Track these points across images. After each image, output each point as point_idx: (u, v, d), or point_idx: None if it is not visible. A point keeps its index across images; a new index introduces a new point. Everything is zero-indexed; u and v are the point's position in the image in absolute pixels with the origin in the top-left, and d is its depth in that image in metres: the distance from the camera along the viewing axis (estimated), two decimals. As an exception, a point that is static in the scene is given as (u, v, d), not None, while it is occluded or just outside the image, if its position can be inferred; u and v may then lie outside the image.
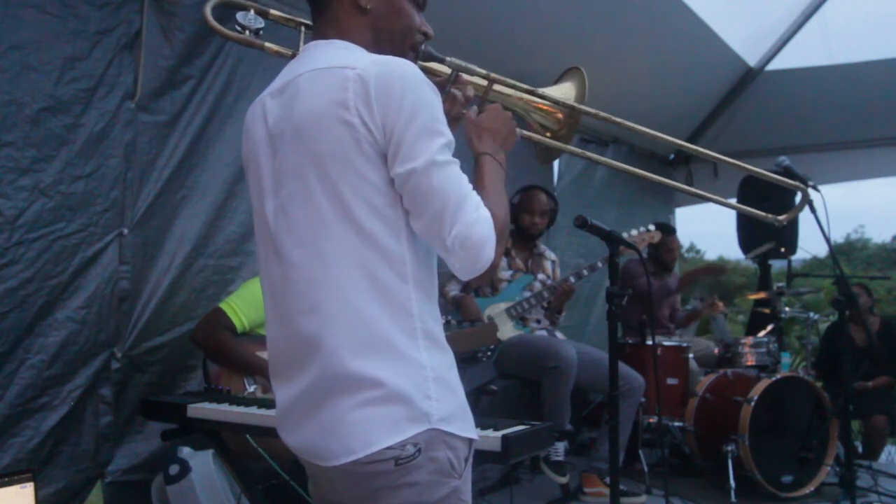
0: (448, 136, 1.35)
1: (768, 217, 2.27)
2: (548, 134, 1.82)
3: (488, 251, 1.32)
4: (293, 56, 1.58)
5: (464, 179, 1.34)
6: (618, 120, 1.91)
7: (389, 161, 1.31)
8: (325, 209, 1.32)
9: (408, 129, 1.29)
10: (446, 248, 1.31)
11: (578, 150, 2.02)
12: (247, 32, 1.61)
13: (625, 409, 3.82)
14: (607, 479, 3.66)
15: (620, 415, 3.57)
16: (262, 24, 1.62)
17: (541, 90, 1.77)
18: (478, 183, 1.44)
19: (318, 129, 1.32)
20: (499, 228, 1.35)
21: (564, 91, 1.81)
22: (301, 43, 1.58)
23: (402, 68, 1.33)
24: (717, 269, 5.39)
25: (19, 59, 2.61)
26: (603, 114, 1.85)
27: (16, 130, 2.61)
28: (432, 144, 1.31)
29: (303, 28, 1.61)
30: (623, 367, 3.84)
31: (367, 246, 1.31)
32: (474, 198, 1.34)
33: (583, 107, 1.78)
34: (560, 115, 1.80)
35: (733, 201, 5.85)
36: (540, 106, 1.80)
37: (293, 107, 1.37)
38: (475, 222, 1.31)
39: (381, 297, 1.31)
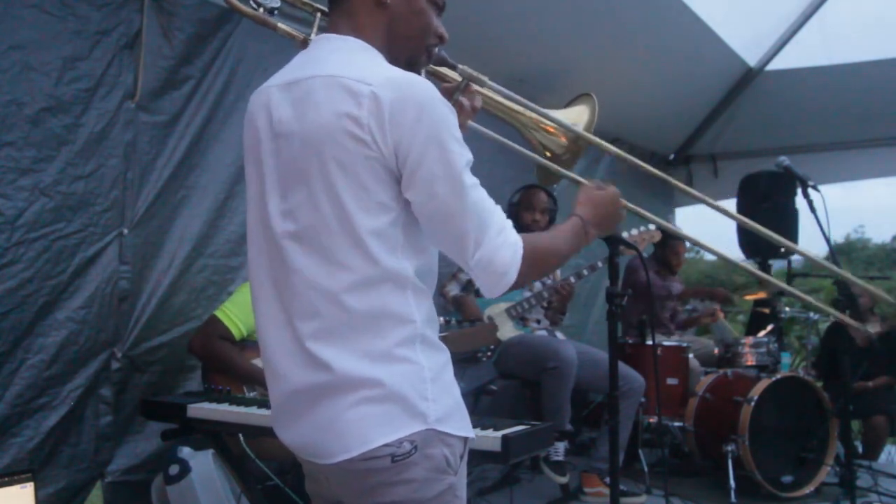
0: (467, 154, 1.34)
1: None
2: (548, 154, 1.81)
3: (510, 275, 1.34)
4: (303, 42, 1.57)
5: (487, 201, 1.35)
6: (622, 153, 1.91)
7: (406, 183, 1.31)
8: (331, 220, 1.31)
9: (426, 152, 1.29)
10: (469, 268, 1.34)
11: (577, 178, 1.99)
12: (261, 10, 1.60)
13: (625, 409, 3.82)
14: (607, 479, 3.66)
15: (620, 415, 3.56)
16: (278, 4, 1.61)
17: (553, 114, 1.75)
18: (557, 229, 1.50)
19: (328, 141, 1.31)
20: (532, 255, 1.37)
21: (574, 117, 1.79)
22: (315, 30, 1.56)
23: (418, 88, 1.31)
24: (724, 296, 5.38)
25: (19, 59, 2.61)
26: (612, 147, 1.85)
27: (16, 130, 2.61)
28: (455, 166, 1.31)
29: (318, 14, 1.59)
30: (623, 367, 3.84)
31: (367, 260, 1.31)
32: (498, 220, 1.35)
33: (590, 136, 1.76)
34: (564, 140, 1.79)
35: (733, 203, 5.87)
36: (545, 127, 1.78)
37: (304, 113, 1.35)
38: (499, 247, 1.33)
39: (380, 309, 1.32)
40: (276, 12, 1.61)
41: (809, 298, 2.63)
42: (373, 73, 1.32)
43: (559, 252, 1.48)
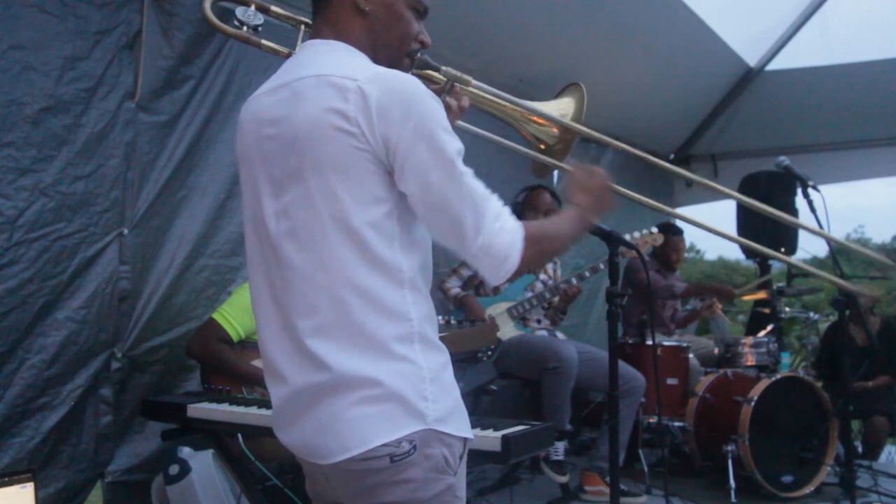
0: (458, 144, 1.35)
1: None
2: (542, 146, 1.83)
3: (512, 259, 1.35)
4: (289, 55, 1.58)
5: (481, 188, 1.36)
6: (608, 140, 1.91)
7: (398, 176, 1.32)
8: (324, 216, 1.32)
9: (415, 143, 1.29)
10: (472, 255, 1.35)
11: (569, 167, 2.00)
12: (245, 28, 1.61)
13: (625, 409, 3.82)
14: (608, 479, 3.67)
15: (620, 414, 3.56)
16: (261, 21, 1.62)
17: (536, 106, 1.77)
18: (558, 216, 1.52)
19: (318, 137, 1.32)
20: (536, 238, 1.38)
21: (563, 107, 1.81)
22: (300, 42, 1.58)
23: (403, 82, 1.33)
24: (727, 292, 5.35)
25: (19, 59, 2.61)
26: (597, 134, 1.85)
27: (16, 130, 2.61)
28: (445, 156, 1.32)
29: (302, 27, 1.61)
30: (623, 367, 3.84)
31: (363, 254, 1.32)
32: (493, 206, 1.36)
33: (576, 125, 1.78)
34: (555, 130, 1.81)
35: (732, 203, 5.86)
36: (535, 119, 1.80)
37: (293, 112, 1.36)
38: (498, 231, 1.34)
39: (377, 302, 1.32)
40: (259, 29, 1.62)
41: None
42: (359, 69, 1.34)
43: (563, 237, 1.49)
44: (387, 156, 1.31)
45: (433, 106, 1.34)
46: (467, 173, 1.35)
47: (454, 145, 1.34)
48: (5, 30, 2.58)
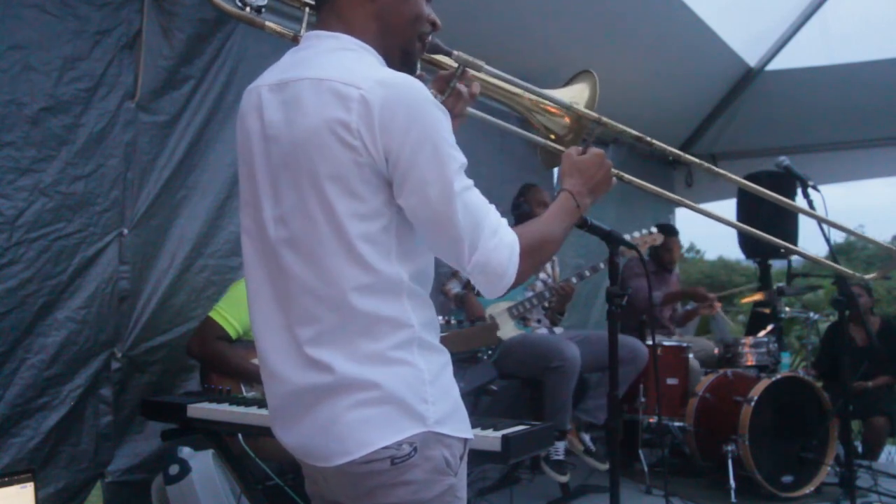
0: (460, 158, 1.33)
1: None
2: (552, 137, 1.78)
3: (509, 275, 1.33)
4: (294, 39, 1.55)
5: (481, 203, 1.33)
6: (623, 127, 1.88)
7: (397, 188, 1.30)
8: (322, 227, 1.31)
9: (417, 157, 1.27)
10: (467, 272, 1.34)
11: None
12: (248, 9, 1.58)
13: (625, 375, 3.86)
14: (583, 435, 4.00)
15: (619, 376, 3.59)
16: (265, 2, 1.59)
17: (549, 92, 1.72)
18: (547, 212, 1.46)
19: (318, 147, 1.29)
20: (529, 250, 1.36)
21: (574, 94, 1.75)
22: (304, 26, 1.53)
23: (409, 91, 1.30)
24: (699, 294, 5.34)
25: (19, 59, 2.61)
26: (608, 120, 1.81)
27: (16, 130, 2.61)
28: (446, 171, 1.29)
29: (307, 9, 1.56)
30: (625, 338, 3.85)
31: (361, 268, 1.30)
32: (491, 221, 1.33)
33: (589, 112, 1.72)
34: (567, 120, 1.75)
35: (733, 203, 5.87)
36: (547, 108, 1.76)
37: (293, 117, 1.33)
38: (494, 248, 1.32)
39: (377, 314, 1.31)
40: (263, 10, 1.59)
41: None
42: (362, 76, 1.30)
43: (555, 238, 1.46)
44: (387, 167, 1.29)
45: (437, 117, 1.31)
46: (467, 188, 1.32)
47: (456, 159, 1.31)
48: (5, 30, 2.58)
